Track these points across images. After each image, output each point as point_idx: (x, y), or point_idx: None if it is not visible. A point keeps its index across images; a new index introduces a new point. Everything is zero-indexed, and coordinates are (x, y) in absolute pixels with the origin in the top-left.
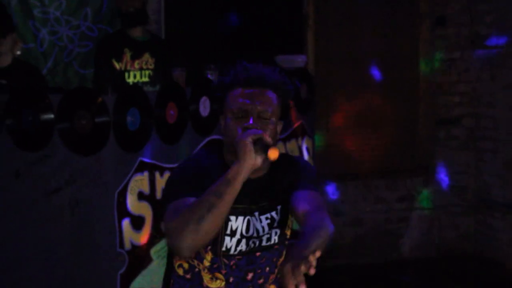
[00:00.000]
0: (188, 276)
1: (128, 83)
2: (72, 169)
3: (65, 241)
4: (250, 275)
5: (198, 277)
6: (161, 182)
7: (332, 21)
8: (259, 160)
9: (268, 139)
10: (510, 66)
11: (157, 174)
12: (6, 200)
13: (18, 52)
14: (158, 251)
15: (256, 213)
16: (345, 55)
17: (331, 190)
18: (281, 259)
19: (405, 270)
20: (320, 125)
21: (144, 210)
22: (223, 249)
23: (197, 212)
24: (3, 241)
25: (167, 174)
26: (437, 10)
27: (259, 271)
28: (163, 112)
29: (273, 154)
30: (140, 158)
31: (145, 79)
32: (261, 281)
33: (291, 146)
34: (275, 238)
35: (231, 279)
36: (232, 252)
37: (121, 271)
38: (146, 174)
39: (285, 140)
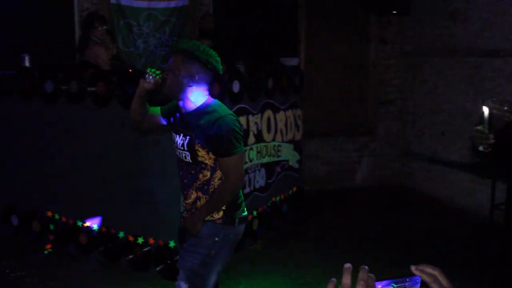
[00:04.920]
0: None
1: None
2: None
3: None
4: (186, 180)
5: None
6: None
7: (317, 38)
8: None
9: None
10: (424, 69)
11: None
12: (114, 139)
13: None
14: None
15: (182, 134)
16: (325, 60)
17: (314, 142)
18: (201, 176)
19: (357, 193)
20: (307, 102)
21: None
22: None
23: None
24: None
25: None
26: (381, 33)
27: (188, 176)
28: None
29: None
30: None
31: None
32: (185, 181)
33: (289, 114)
34: (188, 158)
35: (180, 173)
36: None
37: None
38: None
39: (285, 110)
